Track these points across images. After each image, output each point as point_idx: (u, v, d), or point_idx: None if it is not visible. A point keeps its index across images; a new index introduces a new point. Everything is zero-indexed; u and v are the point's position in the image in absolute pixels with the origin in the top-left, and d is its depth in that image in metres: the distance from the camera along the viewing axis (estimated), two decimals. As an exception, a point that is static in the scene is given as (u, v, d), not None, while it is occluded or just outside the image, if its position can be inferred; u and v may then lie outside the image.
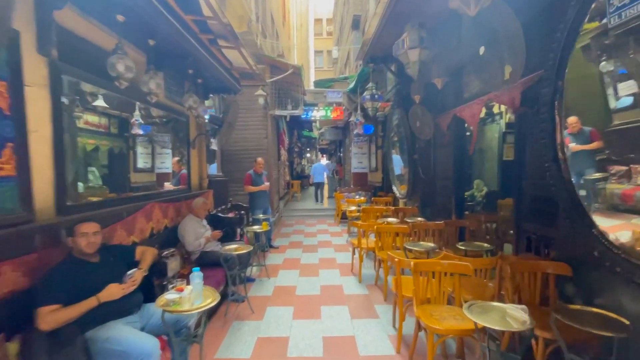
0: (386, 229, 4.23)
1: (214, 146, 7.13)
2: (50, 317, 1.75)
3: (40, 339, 1.74)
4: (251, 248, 3.55)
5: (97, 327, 1.91)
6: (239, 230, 4.73)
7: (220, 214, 4.81)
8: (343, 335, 3.04)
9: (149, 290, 2.41)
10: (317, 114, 11.02)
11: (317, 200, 12.31)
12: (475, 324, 1.85)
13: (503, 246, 3.96)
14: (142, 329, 2.09)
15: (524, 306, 1.80)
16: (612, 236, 1.95)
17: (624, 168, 2.15)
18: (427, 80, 4.20)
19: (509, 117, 5.53)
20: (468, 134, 4.67)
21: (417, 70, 3.44)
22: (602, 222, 2.04)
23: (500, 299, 2.59)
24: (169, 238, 3.57)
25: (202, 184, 5.09)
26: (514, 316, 1.79)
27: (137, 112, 3.56)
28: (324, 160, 18.29)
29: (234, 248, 3.46)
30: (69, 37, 2.37)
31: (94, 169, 3.31)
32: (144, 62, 3.28)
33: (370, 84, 5.74)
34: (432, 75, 3.89)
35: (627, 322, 1.68)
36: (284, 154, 11.24)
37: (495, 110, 5.64)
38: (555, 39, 2.17)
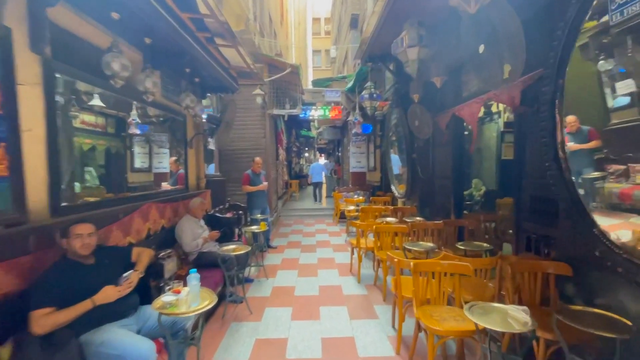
0: (385, 228, 4.21)
1: (212, 146, 7.09)
2: (44, 320, 1.71)
3: (33, 343, 1.70)
4: (249, 248, 3.52)
5: (92, 331, 1.88)
6: (237, 230, 4.70)
7: (218, 214, 4.77)
8: (342, 336, 3.02)
9: (146, 292, 2.38)
10: (315, 113, 10.99)
11: (315, 200, 12.29)
12: (476, 325, 1.82)
13: (502, 246, 3.95)
14: (139, 332, 2.06)
15: (525, 307, 1.78)
16: (613, 236, 1.94)
17: (622, 167, 2.15)
18: (425, 79, 4.18)
19: (507, 116, 5.53)
20: (466, 133, 4.66)
21: (416, 68, 3.42)
22: (601, 221, 2.03)
23: (501, 299, 2.57)
24: (166, 239, 3.54)
25: (199, 183, 5.05)
26: (516, 317, 1.77)
27: (134, 112, 3.52)
28: (322, 160, 18.25)
29: (232, 249, 3.43)
30: (62, 35, 2.33)
31: (91, 168, 3.28)
32: (140, 61, 3.24)
33: (368, 83, 5.72)
34: (431, 74, 3.86)
35: (630, 323, 1.66)
36: (282, 153, 11.21)
37: (494, 109, 5.63)
38: (555, 37, 2.15)
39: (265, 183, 5.95)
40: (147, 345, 1.84)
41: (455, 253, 3.29)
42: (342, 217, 8.47)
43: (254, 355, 2.74)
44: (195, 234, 3.67)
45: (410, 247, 3.40)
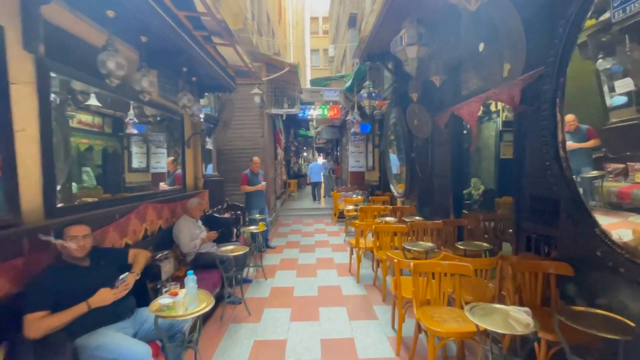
0: (384, 228, 4.18)
1: (210, 145, 7.05)
2: (38, 324, 1.68)
3: (27, 347, 1.67)
4: (247, 249, 3.49)
5: (88, 334, 1.85)
6: (235, 230, 4.66)
7: (216, 214, 4.74)
8: (341, 338, 2.99)
9: (142, 294, 2.35)
10: (314, 112, 10.95)
11: (314, 200, 12.27)
12: (477, 326, 1.80)
13: (501, 245, 3.94)
14: (135, 335, 2.03)
15: (527, 309, 1.76)
16: (615, 236, 1.92)
17: (621, 166, 2.15)
18: (424, 78, 4.16)
19: (505, 115, 5.52)
20: (465, 132, 4.64)
21: (415, 67, 3.39)
22: (600, 220, 2.01)
23: (501, 300, 2.55)
24: (164, 239, 3.50)
25: (197, 184, 5.01)
26: (517, 318, 1.75)
27: (131, 111, 3.49)
28: (320, 159, 18.21)
29: (230, 249, 3.40)
30: (57, 33, 2.30)
31: (88, 169, 3.25)
32: (137, 60, 3.20)
33: (367, 82, 5.69)
34: (430, 72, 3.84)
35: (633, 324, 1.64)
36: (280, 153, 11.17)
37: (493, 108, 5.62)
38: (556, 35, 2.13)
39: (264, 183, 5.92)
40: (143, 349, 1.81)
41: (455, 253, 3.27)
42: (340, 216, 8.44)
43: (253, 357, 2.71)
44: (193, 235, 3.64)
45: (409, 247, 3.38)
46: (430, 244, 3.50)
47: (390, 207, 5.97)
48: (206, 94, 5.52)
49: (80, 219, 2.19)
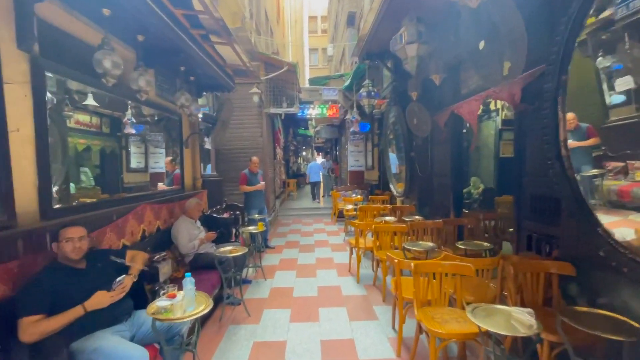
0: (384, 228, 4.16)
1: (208, 145, 7.01)
2: (33, 328, 1.65)
3: (22, 352, 1.64)
4: (246, 249, 3.46)
5: (84, 338, 1.82)
6: (234, 230, 4.63)
7: (214, 215, 4.70)
8: (342, 339, 2.97)
9: (140, 296, 2.31)
10: (313, 111, 10.92)
11: (313, 199, 12.24)
12: (479, 327, 1.78)
13: (502, 244, 3.92)
14: (133, 338, 2.00)
15: (530, 310, 1.74)
16: (618, 235, 1.90)
17: (621, 164, 2.15)
18: (424, 76, 4.13)
19: (505, 113, 5.51)
20: (465, 130, 4.62)
21: (415, 65, 3.37)
22: (600, 219, 1.99)
23: (503, 300, 2.53)
24: (162, 240, 3.47)
25: (195, 184, 4.98)
26: (520, 320, 1.72)
27: (129, 111, 3.46)
28: (319, 159, 18.16)
29: (228, 250, 3.37)
30: (52, 32, 2.27)
31: (86, 169, 3.23)
32: (134, 59, 3.17)
33: (366, 81, 5.67)
34: (430, 71, 3.82)
35: (638, 325, 1.62)
36: (279, 152, 11.13)
37: (492, 107, 5.61)
38: (558, 32, 2.11)
39: (263, 183, 5.89)
40: (139, 353, 1.78)
41: (455, 252, 3.25)
42: (340, 216, 8.42)
43: (252, 359, 2.68)
44: (191, 235, 3.61)
45: (409, 247, 3.35)
46: (430, 244, 3.47)
47: (389, 206, 5.95)
48: (204, 93, 5.49)
49: (76, 221, 2.16)
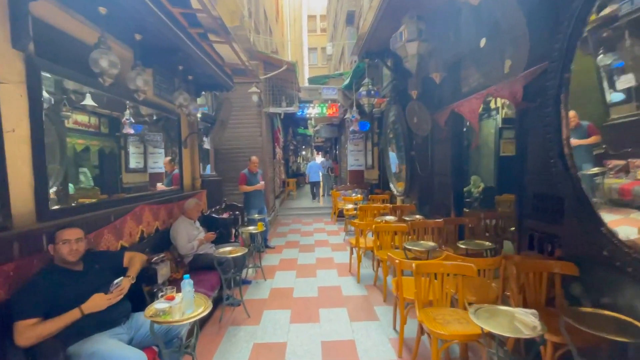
0: (384, 228, 4.13)
1: (207, 145, 6.98)
2: (29, 331, 1.63)
3: (18, 356, 1.61)
4: (246, 250, 3.43)
5: (81, 341, 1.79)
6: (233, 231, 4.60)
7: (214, 215, 4.68)
8: (342, 340, 2.94)
9: (138, 298, 2.29)
10: (313, 111, 10.89)
11: (313, 198, 12.22)
12: (482, 328, 1.76)
13: (503, 243, 3.90)
14: (131, 341, 1.98)
15: (533, 311, 1.71)
16: (622, 235, 1.87)
17: (622, 162, 2.14)
18: (424, 75, 4.10)
19: (505, 112, 5.49)
20: (465, 129, 4.60)
21: (415, 64, 3.34)
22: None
23: (505, 300, 2.51)
24: (161, 241, 3.44)
25: (194, 184, 4.95)
26: (523, 321, 1.70)
27: (127, 111, 3.44)
28: (319, 158, 18.14)
29: (228, 250, 3.34)
30: (47, 31, 2.24)
31: (85, 169, 3.21)
32: (131, 58, 3.13)
33: (366, 80, 5.64)
34: (430, 69, 3.79)
35: (643, 326, 1.60)
36: (279, 152, 11.10)
37: (492, 105, 5.59)
38: (561, 29, 2.08)
39: (262, 183, 5.86)
40: (137, 357, 1.75)
41: (456, 252, 3.23)
42: (340, 215, 8.40)
43: (252, 361, 2.66)
44: (190, 236, 3.58)
45: (410, 247, 3.33)
46: (431, 244, 3.45)
47: (390, 205, 5.93)
48: (203, 92, 5.46)
49: (73, 222, 2.13)
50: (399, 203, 6.47)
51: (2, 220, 1.81)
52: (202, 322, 3.17)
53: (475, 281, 2.74)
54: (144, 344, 2.00)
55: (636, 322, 1.63)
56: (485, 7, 2.54)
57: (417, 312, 2.36)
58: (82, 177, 3.19)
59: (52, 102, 2.48)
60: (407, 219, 4.49)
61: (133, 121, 3.61)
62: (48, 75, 2.27)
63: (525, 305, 2.32)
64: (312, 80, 12.44)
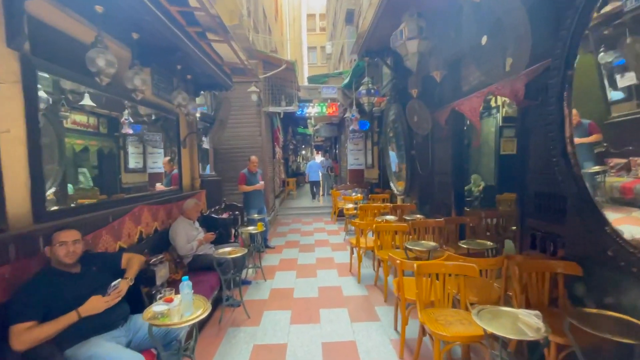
0: (385, 227, 4.11)
1: (206, 145, 6.95)
2: (25, 335, 1.60)
3: (13, 360, 1.59)
4: (245, 251, 3.40)
5: (78, 345, 1.76)
6: (233, 231, 4.58)
7: (213, 215, 4.65)
8: (343, 341, 2.91)
9: (137, 300, 2.26)
10: (312, 110, 10.85)
11: (313, 198, 12.20)
12: (485, 330, 1.73)
13: (504, 243, 3.87)
14: (129, 343, 1.95)
15: (537, 312, 1.69)
16: (627, 234, 1.85)
17: (623, 161, 2.12)
18: (425, 73, 4.07)
19: (505, 110, 5.46)
20: (465, 128, 4.57)
21: (416, 62, 3.30)
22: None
23: (507, 300, 2.49)
24: (160, 242, 3.42)
25: (194, 184, 4.92)
26: (527, 322, 1.67)
27: (126, 111, 3.42)
28: (318, 157, 18.10)
29: (227, 251, 3.31)
30: (43, 30, 2.21)
31: (84, 170, 3.19)
32: (129, 58, 3.10)
33: (366, 79, 5.61)
34: (430, 68, 3.75)
35: (649, 328, 1.57)
36: (278, 151, 11.07)
37: (492, 104, 5.56)
38: (564, 26, 2.05)
39: (262, 182, 5.83)
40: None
41: (458, 252, 3.20)
42: (340, 215, 8.38)
43: (252, 363, 2.64)
44: (189, 237, 3.55)
45: (411, 247, 3.30)
46: (432, 243, 3.42)
47: (390, 205, 5.90)
48: (202, 92, 5.43)
49: (71, 223, 2.11)
50: (399, 202, 6.45)
51: (-3, 222, 1.78)
52: (202, 324, 3.14)
53: (477, 281, 2.72)
54: (143, 346, 1.97)
55: (642, 323, 1.60)
56: (486, 4, 2.51)
57: (418, 313, 2.33)
58: (81, 178, 3.18)
59: (50, 102, 2.46)
60: (407, 218, 4.47)
61: (132, 121, 3.59)
62: (44, 75, 2.24)
63: (527, 305, 2.29)
64: (311, 79, 12.41)
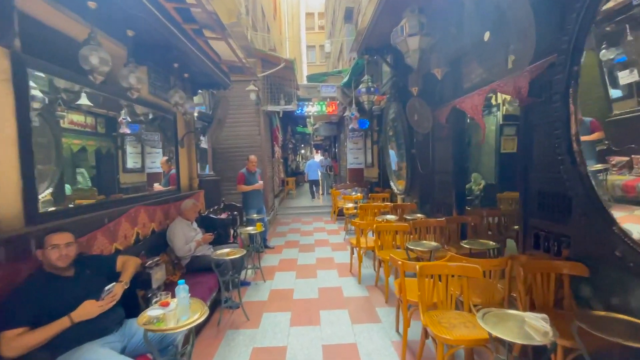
0: (385, 227, 4.05)
1: (205, 144, 6.89)
2: (16, 342, 1.55)
3: (4, 368, 1.53)
4: (244, 252, 3.34)
5: (71, 351, 1.71)
6: (232, 231, 4.52)
7: (212, 215, 4.60)
8: (344, 343, 2.86)
9: (132, 303, 2.21)
10: (312, 109, 10.79)
11: (313, 197, 12.15)
12: (490, 333, 1.68)
13: (505, 242, 3.82)
14: (124, 349, 1.90)
15: (544, 315, 1.63)
16: (636, 234, 1.80)
17: (625, 158, 2.11)
18: (425, 70, 4.01)
19: (506, 108, 5.41)
20: (466, 126, 4.52)
21: (417, 59, 3.24)
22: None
23: (511, 302, 2.44)
24: (157, 243, 3.36)
25: (192, 184, 4.87)
26: (534, 326, 1.62)
27: (124, 110, 3.36)
28: (318, 157, 18.03)
29: (226, 252, 3.26)
30: (34, 27, 2.15)
31: (83, 170, 3.15)
32: (124, 56, 3.05)
33: (366, 77, 5.54)
34: (431, 65, 3.70)
35: (660, 331, 1.52)
36: (278, 150, 11.01)
37: (493, 101, 5.52)
38: (570, 20, 1.99)
39: (261, 182, 5.77)
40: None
41: (459, 251, 3.16)
42: (340, 214, 8.33)
43: (252, 366, 2.59)
44: (187, 238, 3.50)
45: (413, 247, 3.25)
46: (434, 243, 3.37)
47: (390, 204, 5.85)
48: (200, 91, 5.37)
49: (65, 225, 2.05)
50: (399, 201, 6.40)
51: (-14, 224, 1.73)
52: (200, 326, 3.09)
53: (480, 282, 2.67)
54: (138, 351, 1.92)
55: (653, 327, 1.56)
56: (489, -1, 2.46)
57: (421, 315, 2.28)
58: (79, 178, 3.13)
59: (47, 101, 2.41)
60: (408, 217, 4.42)
61: (130, 120, 3.54)
62: (39, 73, 2.19)
63: (532, 307, 2.25)
64: (310, 78, 12.34)
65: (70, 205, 2.63)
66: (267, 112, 8.77)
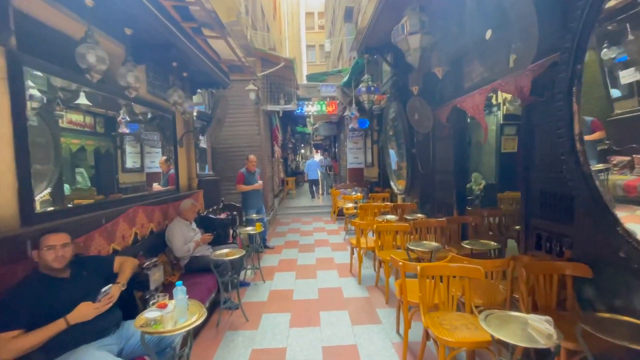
0: (386, 227, 4.03)
1: (204, 144, 6.86)
2: (11, 345, 1.52)
3: (-2, 371, 1.51)
4: (243, 252, 3.32)
5: (67, 354, 1.68)
6: (231, 231, 4.50)
7: (211, 215, 4.57)
8: (344, 344, 2.84)
9: (130, 304, 2.18)
10: (311, 108, 10.76)
11: (312, 197, 12.13)
12: (492, 336, 1.65)
13: (506, 242, 3.80)
14: (121, 352, 1.87)
15: (548, 317, 1.61)
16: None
17: (626, 158, 2.08)
18: (426, 69, 3.99)
19: (507, 107, 5.39)
20: (467, 126, 4.49)
21: (418, 58, 3.21)
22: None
23: (513, 303, 2.41)
24: (156, 244, 3.33)
25: (191, 184, 4.84)
26: (538, 329, 1.60)
27: (123, 110, 3.34)
28: (317, 156, 18.01)
29: (225, 253, 3.23)
30: (30, 24, 2.12)
31: (82, 170, 3.12)
32: (122, 54, 3.02)
33: (366, 76, 5.51)
34: (432, 64, 3.67)
35: (666, 334, 1.50)
36: (277, 150, 10.98)
37: (494, 101, 5.50)
38: (573, 18, 1.96)
39: (261, 182, 5.75)
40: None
41: (460, 252, 3.13)
42: (340, 214, 8.30)
43: (251, 368, 2.56)
44: (186, 238, 3.47)
45: (413, 248, 3.22)
46: (435, 244, 3.35)
47: (390, 204, 5.82)
48: (199, 90, 5.34)
49: (62, 226, 2.02)
50: (399, 201, 6.37)
51: (-19, 225, 1.70)
52: (198, 328, 3.06)
53: (482, 283, 2.64)
54: (135, 354, 1.89)
55: (659, 329, 1.53)
56: (491, -3, 2.42)
57: (422, 317, 2.26)
58: (79, 178, 3.11)
59: (45, 101, 2.38)
60: (408, 217, 4.39)
61: (129, 120, 3.51)
62: (37, 72, 2.16)
63: (535, 308, 2.22)
64: (310, 78, 12.31)
65: (69, 205, 2.60)
66: (266, 112, 8.74)
